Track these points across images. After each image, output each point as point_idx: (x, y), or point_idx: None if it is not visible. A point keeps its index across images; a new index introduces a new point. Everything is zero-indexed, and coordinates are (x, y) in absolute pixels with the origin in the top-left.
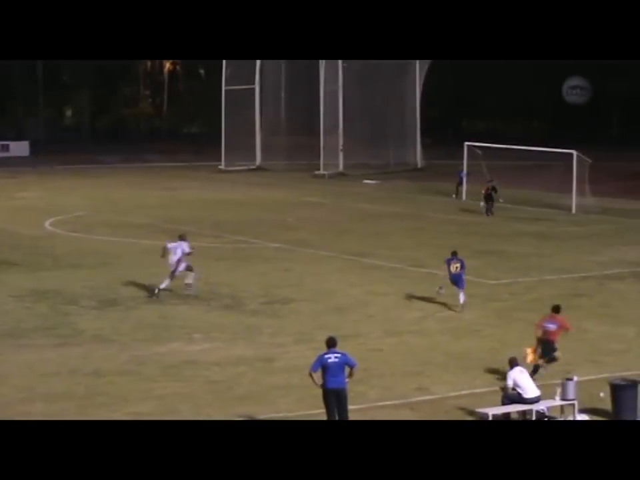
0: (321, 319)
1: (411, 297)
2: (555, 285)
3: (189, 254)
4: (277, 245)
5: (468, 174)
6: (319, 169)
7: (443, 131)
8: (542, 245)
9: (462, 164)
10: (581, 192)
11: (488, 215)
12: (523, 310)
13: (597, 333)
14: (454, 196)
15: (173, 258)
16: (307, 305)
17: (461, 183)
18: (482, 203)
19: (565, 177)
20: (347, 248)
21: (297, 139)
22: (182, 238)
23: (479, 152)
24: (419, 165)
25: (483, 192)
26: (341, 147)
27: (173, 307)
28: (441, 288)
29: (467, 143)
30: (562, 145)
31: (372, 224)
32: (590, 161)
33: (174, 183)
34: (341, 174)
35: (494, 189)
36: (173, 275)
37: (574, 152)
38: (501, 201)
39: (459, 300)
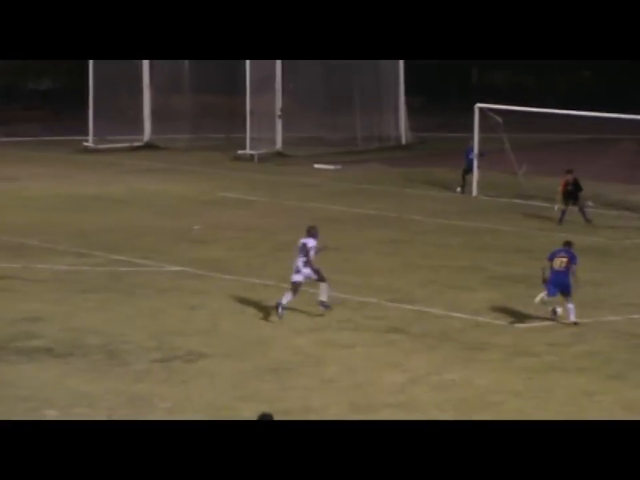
0: (248, 386)
1: (391, 349)
2: (619, 329)
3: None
4: (177, 269)
5: (482, 154)
6: (243, 148)
7: (441, 87)
8: (600, 267)
9: (471, 138)
10: None
11: (561, 222)
12: (568, 370)
13: None
14: (459, 189)
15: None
16: (226, 362)
17: (470, 169)
18: (557, 206)
19: (637, 160)
20: (288, 272)
21: (209, 99)
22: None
23: (499, 119)
24: (403, 141)
25: (560, 188)
26: (278, 113)
27: (11, 368)
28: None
29: (478, 105)
30: (632, 108)
31: (328, 234)
32: None
33: (12, 169)
34: (279, 154)
35: (576, 183)
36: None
37: None
38: (590, 204)
39: (567, 314)
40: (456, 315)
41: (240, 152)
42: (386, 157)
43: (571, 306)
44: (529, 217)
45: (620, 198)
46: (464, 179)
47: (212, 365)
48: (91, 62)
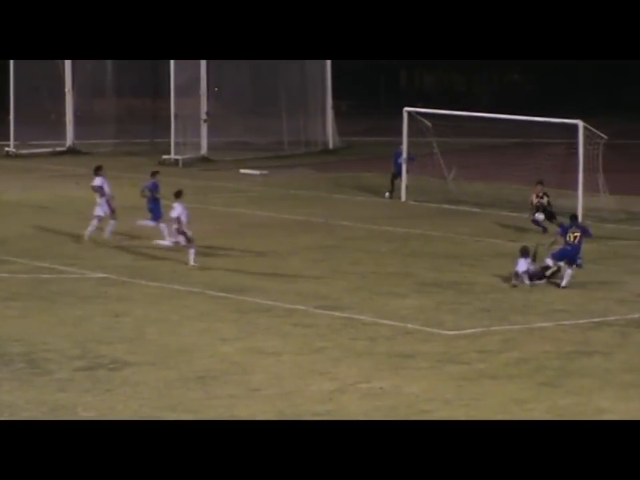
0: (173, 395)
1: (319, 357)
2: (550, 336)
3: None
4: (100, 275)
5: (411, 158)
6: (168, 152)
7: (369, 90)
8: None
9: (400, 142)
10: (591, 186)
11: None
12: (499, 377)
13: (617, 415)
14: (387, 194)
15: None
16: (151, 371)
17: (399, 173)
18: (537, 216)
19: (567, 163)
20: (214, 279)
21: (133, 103)
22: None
23: (428, 123)
24: (331, 145)
25: (534, 201)
26: (204, 117)
27: None
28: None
29: (407, 109)
30: (564, 111)
31: (255, 240)
32: (605, 137)
33: None
34: (205, 159)
35: (546, 196)
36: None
37: (579, 122)
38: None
39: (564, 276)
40: (385, 322)
41: (164, 157)
42: (313, 161)
43: (569, 271)
44: (458, 222)
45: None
46: (392, 183)
47: (137, 373)
48: (11, 65)
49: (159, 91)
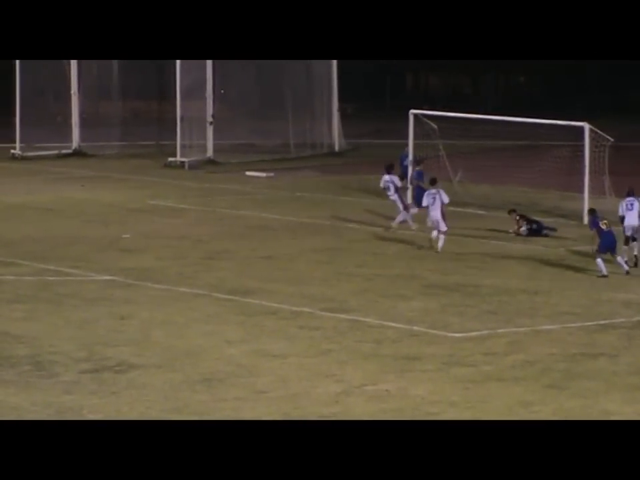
0: (179, 397)
1: (325, 359)
2: (556, 338)
3: None
4: (106, 278)
5: (418, 161)
6: (174, 155)
7: (375, 93)
8: (535, 275)
9: (406, 145)
10: (597, 189)
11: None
12: (505, 380)
13: (624, 417)
14: None
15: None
16: (157, 373)
17: (405, 175)
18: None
19: (573, 165)
20: (220, 281)
21: (138, 105)
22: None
23: (434, 125)
24: (337, 148)
25: (518, 229)
26: (210, 119)
27: None
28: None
29: (413, 111)
30: (570, 113)
31: (261, 242)
32: (611, 140)
33: None
34: (210, 162)
35: (523, 219)
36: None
37: (586, 125)
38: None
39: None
40: (391, 324)
41: (170, 159)
42: (319, 164)
43: (620, 259)
44: (464, 224)
45: (555, 205)
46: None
47: (143, 375)
48: (17, 67)
49: (165, 93)
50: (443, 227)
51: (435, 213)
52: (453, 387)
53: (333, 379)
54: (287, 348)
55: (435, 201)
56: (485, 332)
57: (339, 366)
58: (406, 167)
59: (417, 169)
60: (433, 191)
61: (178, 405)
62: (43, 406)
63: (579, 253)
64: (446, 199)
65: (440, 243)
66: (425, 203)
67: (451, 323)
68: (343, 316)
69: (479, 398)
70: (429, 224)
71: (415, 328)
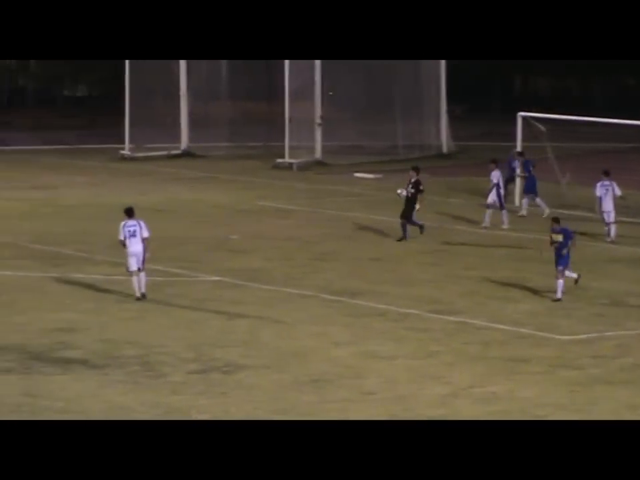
0: (287, 398)
1: (432, 361)
2: None
3: None
4: (215, 279)
5: (528, 163)
6: (282, 156)
7: (484, 95)
8: None
9: (514, 147)
10: None
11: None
12: (613, 383)
13: None
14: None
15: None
16: (264, 374)
17: (512, 178)
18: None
19: None
20: (328, 283)
21: (247, 106)
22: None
23: (542, 128)
24: (445, 149)
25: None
26: (318, 120)
27: (46, 379)
28: None
29: (521, 114)
30: None
31: (369, 244)
32: None
33: (49, 177)
34: (319, 163)
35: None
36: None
37: None
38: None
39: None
40: (498, 326)
41: (279, 160)
42: (427, 165)
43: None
44: (572, 226)
45: None
46: (506, 188)
47: (250, 376)
48: (127, 68)
49: (274, 94)
50: (612, 218)
51: (608, 205)
52: (560, 389)
53: (440, 381)
54: (395, 350)
55: (608, 192)
56: (593, 335)
57: (446, 368)
58: (514, 169)
59: (525, 159)
60: (607, 182)
61: (285, 406)
62: (151, 406)
63: None
64: (618, 192)
65: (612, 232)
66: (598, 192)
67: (558, 325)
68: (450, 318)
69: (586, 401)
70: (603, 215)
71: (523, 330)
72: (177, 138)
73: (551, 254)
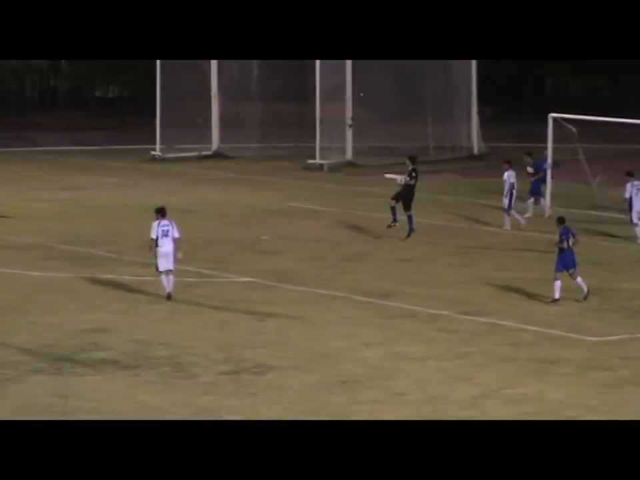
0: (317, 399)
1: (462, 363)
2: None
3: None
4: (245, 279)
5: (556, 164)
6: (313, 157)
7: (514, 96)
8: None
9: (545, 148)
10: None
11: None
12: None
13: None
14: (532, 200)
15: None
16: (294, 375)
17: (543, 180)
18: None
19: None
20: (358, 284)
21: (278, 107)
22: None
23: (573, 129)
24: (475, 151)
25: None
26: (349, 122)
27: (77, 379)
28: None
29: (552, 115)
30: None
31: (399, 245)
32: None
33: (79, 178)
34: (350, 164)
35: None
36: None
37: None
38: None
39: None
40: (529, 327)
41: (310, 161)
42: (458, 167)
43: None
44: (603, 228)
45: None
46: (539, 191)
47: (281, 377)
48: (158, 69)
49: (305, 95)
50: None
51: (638, 205)
52: (591, 390)
53: (471, 382)
54: (425, 351)
55: (639, 192)
56: (624, 336)
57: (477, 369)
58: (545, 171)
59: (554, 159)
60: (637, 182)
61: (315, 407)
62: (182, 406)
63: None
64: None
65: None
66: (627, 193)
67: (589, 326)
68: (480, 319)
69: (616, 402)
70: (632, 215)
71: (553, 331)
72: (207, 139)
73: (581, 256)
